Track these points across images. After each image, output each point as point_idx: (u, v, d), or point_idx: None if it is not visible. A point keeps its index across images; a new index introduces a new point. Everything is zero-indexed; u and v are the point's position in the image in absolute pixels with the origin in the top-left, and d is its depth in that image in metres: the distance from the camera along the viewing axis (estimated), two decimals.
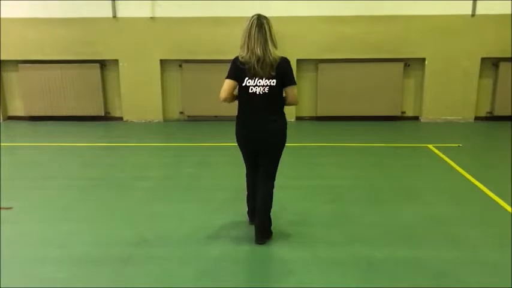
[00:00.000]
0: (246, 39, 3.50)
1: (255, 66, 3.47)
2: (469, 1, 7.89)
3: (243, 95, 3.60)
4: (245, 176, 4.01)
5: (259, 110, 3.58)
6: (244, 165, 3.96)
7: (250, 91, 3.54)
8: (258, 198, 3.80)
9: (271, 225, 3.90)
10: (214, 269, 3.46)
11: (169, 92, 8.51)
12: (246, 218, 4.19)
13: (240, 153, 3.89)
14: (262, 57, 3.46)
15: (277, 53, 3.53)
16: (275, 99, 3.60)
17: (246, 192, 4.05)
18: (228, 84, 3.59)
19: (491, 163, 6.02)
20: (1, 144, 6.82)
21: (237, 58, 3.57)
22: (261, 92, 3.53)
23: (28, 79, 8.34)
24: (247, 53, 3.49)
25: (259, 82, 3.52)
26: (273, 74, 3.51)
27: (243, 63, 3.51)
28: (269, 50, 3.47)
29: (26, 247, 3.82)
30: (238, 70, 3.54)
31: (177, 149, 6.87)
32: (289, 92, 3.64)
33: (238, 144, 3.80)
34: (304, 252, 3.67)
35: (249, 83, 3.53)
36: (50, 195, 4.92)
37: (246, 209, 4.14)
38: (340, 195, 4.87)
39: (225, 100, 3.62)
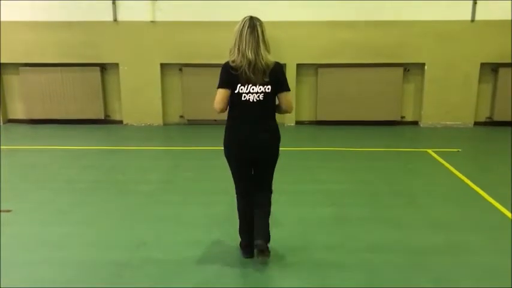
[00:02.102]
0: (237, 40, 3.27)
1: (246, 71, 3.23)
2: (468, 6, 7.92)
3: (234, 103, 3.34)
4: (236, 204, 3.61)
5: (253, 118, 3.34)
6: (234, 191, 3.60)
7: (242, 99, 3.30)
8: (255, 209, 3.53)
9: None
10: (214, 272, 3.46)
11: (169, 96, 8.51)
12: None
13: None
14: (253, 62, 3.22)
15: (270, 57, 3.30)
16: (269, 107, 3.38)
17: (239, 224, 3.64)
18: (221, 94, 3.32)
19: (491, 168, 6.02)
20: (1, 147, 6.82)
21: (227, 64, 3.32)
22: (254, 100, 3.30)
23: (28, 82, 8.35)
24: (237, 56, 3.26)
25: (253, 89, 3.29)
26: (267, 80, 3.27)
27: (234, 69, 3.26)
28: (261, 54, 3.24)
29: (25, 249, 3.82)
30: (230, 77, 3.29)
31: (177, 152, 6.87)
32: (283, 98, 3.40)
33: (229, 157, 3.49)
34: (304, 256, 3.67)
35: (241, 90, 3.29)
36: (50, 198, 4.92)
37: (239, 237, 3.71)
38: (340, 199, 4.88)
39: (221, 111, 3.37)
